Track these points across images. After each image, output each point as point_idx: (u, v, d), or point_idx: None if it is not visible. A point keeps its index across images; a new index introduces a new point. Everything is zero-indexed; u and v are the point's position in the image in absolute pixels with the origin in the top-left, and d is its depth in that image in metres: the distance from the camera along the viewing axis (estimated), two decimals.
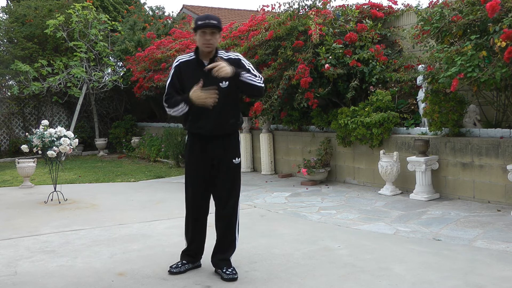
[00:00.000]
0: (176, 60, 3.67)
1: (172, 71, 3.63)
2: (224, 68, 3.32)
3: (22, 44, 13.21)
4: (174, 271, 3.69)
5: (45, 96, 13.90)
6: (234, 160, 3.67)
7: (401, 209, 5.83)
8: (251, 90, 3.54)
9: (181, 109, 3.52)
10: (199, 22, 3.45)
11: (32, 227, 5.42)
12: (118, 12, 16.52)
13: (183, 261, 3.77)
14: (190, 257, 3.79)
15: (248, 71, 3.53)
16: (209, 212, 3.80)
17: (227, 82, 3.49)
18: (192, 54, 3.62)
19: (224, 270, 3.63)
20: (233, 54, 3.63)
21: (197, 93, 3.39)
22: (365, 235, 4.77)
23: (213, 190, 3.72)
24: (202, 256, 3.87)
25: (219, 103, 3.45)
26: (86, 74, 13.17)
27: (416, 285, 3.40)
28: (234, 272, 3.62)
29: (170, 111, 3.59)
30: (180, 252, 3.85)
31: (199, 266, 3.83)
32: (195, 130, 3.63)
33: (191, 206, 3.75)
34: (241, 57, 3.63)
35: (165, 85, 3.70)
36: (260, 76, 3.57)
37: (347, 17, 8.17)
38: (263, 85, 3.54)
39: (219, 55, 3.54)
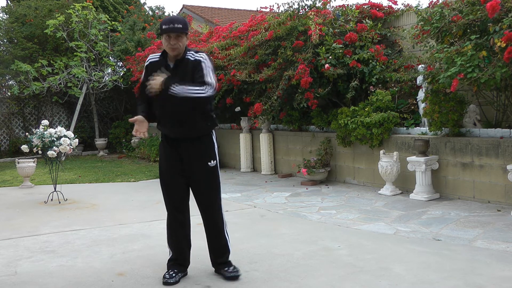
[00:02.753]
0: (147, 59, 3.62)
1: (144, 70, 3.60)
2: (152, 86, 3.32)
3: (22, 44, 13.21)
4: (171, 281, 3.53)
5: (45, 96, 13.91)
6: (209, 163, 3.56)
7: (401, 209, 5.83)
8: (191, 100, 3.35)
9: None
10: (164, 27, 3.38)
11: (32, 227, 5.42)
12: (118, 12, 16.53)
13: (175, 270, 3.63)
14: (180, 266, 3.67)
15: (202, 77, 3.38)
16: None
17: None
18: (159, 54, 3.57)
19: (226, 269, 3.62)
20: (198, 55, 3.48)
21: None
22: (365, 235, 4.77)
23: (194, 195, 3.67)
24: (199, 257, 3.84)
25: (184, 106, 3.41)
26: (86, 74, 13.18)
27: (416, 285, 3.40)
28: (236, 270, 3.62)
29: None
30: (167, 262, 3.72)
31: (186, 274, 3.70)
32: (164, 132, 3.61)
33: (171, 212, 3.67)
34: (203, 59, 3.46)
35: None
36: (210, 83, 3.39)
37: (347, 17, 8.17)
38: (205, 94, 3.34)
39: (187, 56, 3.46)
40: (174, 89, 3.29)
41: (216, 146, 3.67)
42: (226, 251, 3.70)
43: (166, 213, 3.73)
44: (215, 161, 3.60)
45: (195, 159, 3.55)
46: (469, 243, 4.39)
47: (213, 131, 3.67)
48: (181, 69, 3.45)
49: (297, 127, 8.82)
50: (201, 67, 3.43)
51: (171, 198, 3.65)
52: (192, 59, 3.46)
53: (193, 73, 3.42)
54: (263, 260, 4.02)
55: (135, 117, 3.46)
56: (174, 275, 3.58)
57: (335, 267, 3.80)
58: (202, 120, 3.52)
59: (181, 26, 3.38)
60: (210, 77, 3.42)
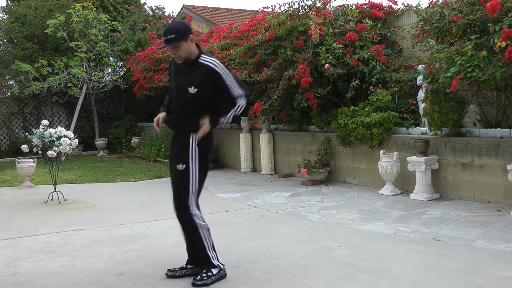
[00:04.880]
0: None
1: (168, 65, 3.77)
2: (201, 136, 3.44)
3: (22, 44, 13.20)
4: (169, 274, 3.61)
5: (45, 96, 13.90)
6: (178, 166, 3.50)
7: (401, 209, 5.83)
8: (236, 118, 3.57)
9: None
10: (162, 38, 3.46)
11: (32, 227, 5.42)
12: (118, 12, 16.52)
13: (183, 266, 3.68)
14: (189, 262, 3.70)
15: (228, 89, 3.43)
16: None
17: (195, 89, 3.42)
18: None
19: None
20: (212, 63, 3.44)
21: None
22: (365, 235, 4.77)
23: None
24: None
25: (184, 105, 3.49)
26: (86, 74, 13.17)
27: (416, 285, 3.40)
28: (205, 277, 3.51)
29: None
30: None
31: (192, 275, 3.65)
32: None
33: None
34: (220, 71, 3.43)
35: (165, 85, 3.76)
36: (241, 93, 3.47)
37: (347, 17, 8.17)
38: (244, 104, 3.50)
39: (200, 60, 3.45)
40: (222, 121, 3.51)
41: (191, 150, 3.67)
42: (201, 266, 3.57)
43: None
44: (183, 165, 3.60)
45: (174, 156, 3.70)
46: (469, 243, 4.39)
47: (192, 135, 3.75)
48: (192, 72, 3.47)
49: (297, 127, 8.82)
50: (222, 80, 3.42)
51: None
52: (204, 63, 3.45)
53: (206, 80, 3.42)
54: (263, 260, 4.02)
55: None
56: (177, 269, 3.65)
57: (335, 267, 3.80)
58: (191, 123, 3.60)
59: (173, 36, 3.35)
60: (237, 88, 3.47)
